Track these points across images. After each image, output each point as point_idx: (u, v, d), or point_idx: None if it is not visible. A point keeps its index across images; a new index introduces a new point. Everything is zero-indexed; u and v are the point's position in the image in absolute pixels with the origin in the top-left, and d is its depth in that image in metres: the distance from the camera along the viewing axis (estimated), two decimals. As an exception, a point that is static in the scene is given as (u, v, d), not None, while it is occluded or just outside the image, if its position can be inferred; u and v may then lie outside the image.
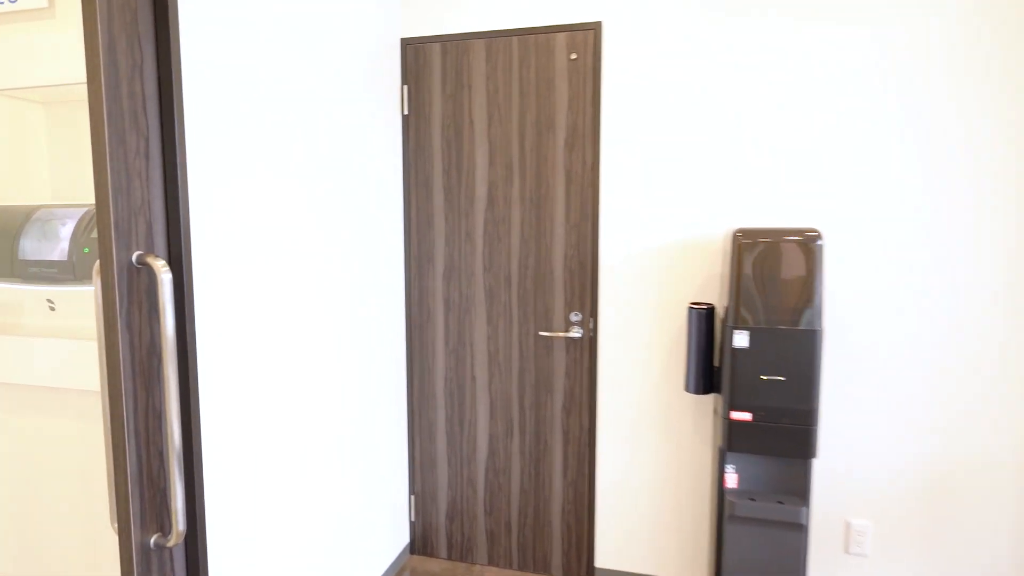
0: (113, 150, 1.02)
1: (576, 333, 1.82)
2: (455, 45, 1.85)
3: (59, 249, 1.74)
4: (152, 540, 1.10)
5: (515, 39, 1.80)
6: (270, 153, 1.31)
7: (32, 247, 1.83)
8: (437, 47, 1.87)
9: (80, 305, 1.69)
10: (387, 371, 1.84)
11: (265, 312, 1.31)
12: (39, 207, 1.87)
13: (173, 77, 1.10)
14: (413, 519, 2.07)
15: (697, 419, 1.81)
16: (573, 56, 1.76)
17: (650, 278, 1.78)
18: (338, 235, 1.56)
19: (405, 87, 1.91)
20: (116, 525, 1.10)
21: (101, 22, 0.99)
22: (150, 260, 1.05)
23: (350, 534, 1.71)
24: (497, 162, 1.88)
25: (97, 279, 1.08)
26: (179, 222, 1.12)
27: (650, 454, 1.85)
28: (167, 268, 1.05)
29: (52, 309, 1.70)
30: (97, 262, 1.08)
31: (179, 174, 1.12)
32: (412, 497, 2.06)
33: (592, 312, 1.81)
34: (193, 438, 1.18)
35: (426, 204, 1.94)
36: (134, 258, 1.05)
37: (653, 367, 1.81)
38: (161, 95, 1.10)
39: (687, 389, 1.65)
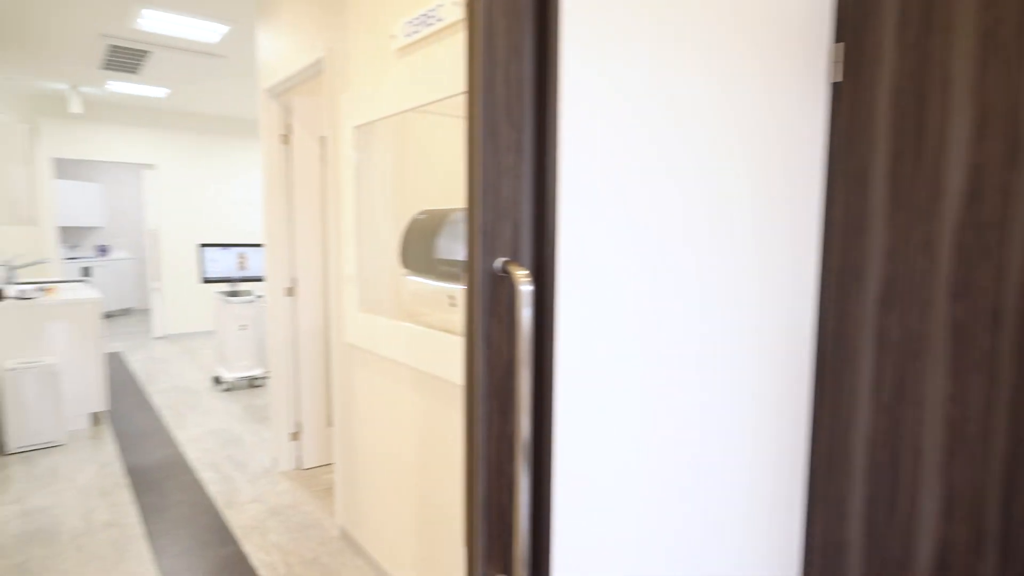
0: (485, 144, 0.91)
1: None
2: (927, -31, 1.28)
3: (462, 249, 1.88)
4: (491, 587, 0.97)
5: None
6: (639, 142, 1.06)
7: (445, 247, 2.05)
8: (895, -21, 1.33)
9: (475, 303, 1.80)
10: (774, 419, 1.41)
11: (624, 336, 1.08)
12: (455, 210, 2.09)
13: (549, 57, 0.94)
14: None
15: None
16: None
17: None
18: (720, 246, 1.22)
19: (840, 44, 1.42)
20: (465, 550, 1.02)
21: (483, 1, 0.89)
22: (512, 269, 0.91)
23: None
24: (990, 134, 1.23)
25: (464, 286, 1.00)
26: (547, 226, 0.96)
27: None
28: (528, 279, 0.90)
29: (452, 305, 1.86)
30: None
31: (551, 170, 0.95)
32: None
33: None
34: (544, 476, 1.02)
35: (858, 202, 1.42)
36: (498, 265, 0.93)
37: None
38: (538, 80, 0.95)
39: None
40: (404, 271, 2.14)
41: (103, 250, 8.94)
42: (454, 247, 1.86)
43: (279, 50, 2.95)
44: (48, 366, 3.63)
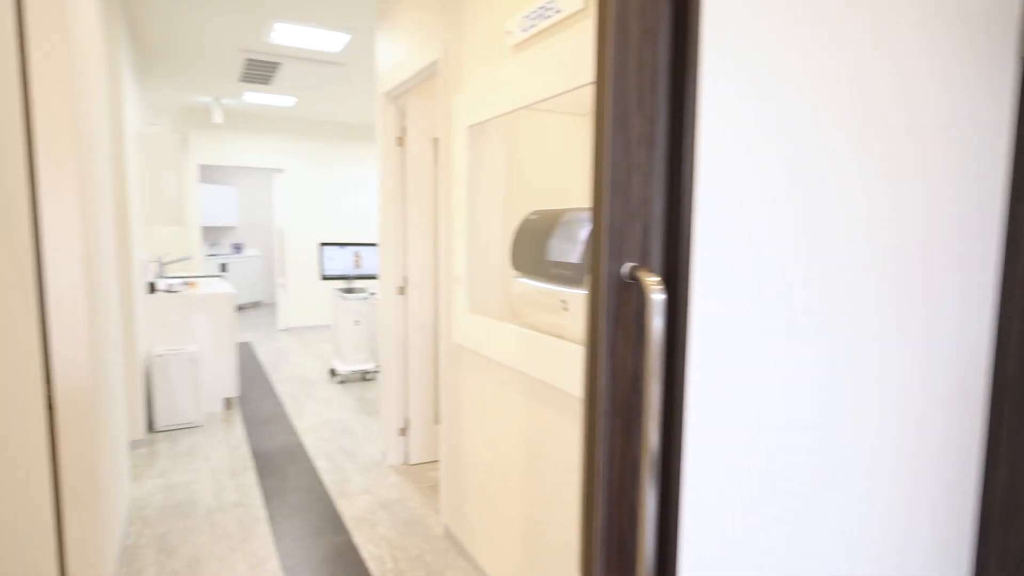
0: (615, 137, 0.83)
1: None
2: None
3: (576, 251, 1.80)
4: (611, 625, 0.89)
5: None
6: (789, 131, 0.93)
7: (558, 248, 1.98)
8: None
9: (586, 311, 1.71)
10: (938, 453, 1.21)
11: (765, 351, 0.95)
12: (568, 210, 2.01)
13: (689, 37, 0.84)
14: None
15: None
16: None
17: None
18: (879, 249, 1.05)
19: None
20: (581, 578, 0.94)
21: (615, -20, 0.81)
22: (641, 275, 0.83)
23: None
24: None
25: (586, 293, 0.92)
26: (682, 228, 0.86)
27: None
28: (659, 287, 0.81)
29: (565, 310, 1.79)
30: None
31: (687, 166, 0.85)
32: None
33: None
34: (671, 502, 0.92)
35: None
36: (625, 271, 0.85)
37: None
38: (673, 64, 0.86)
39: None
40: (514, 273, 2.10)
41: (237, 248, 9.77)
42: (567, 249, 1.78)
43: (396, 55, 3.03)
44: (190, 354, 3.98)
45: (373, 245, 5.54)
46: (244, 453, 3.61)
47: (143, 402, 3.74)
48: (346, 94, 6.10)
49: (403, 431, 3.46)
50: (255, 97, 6.31)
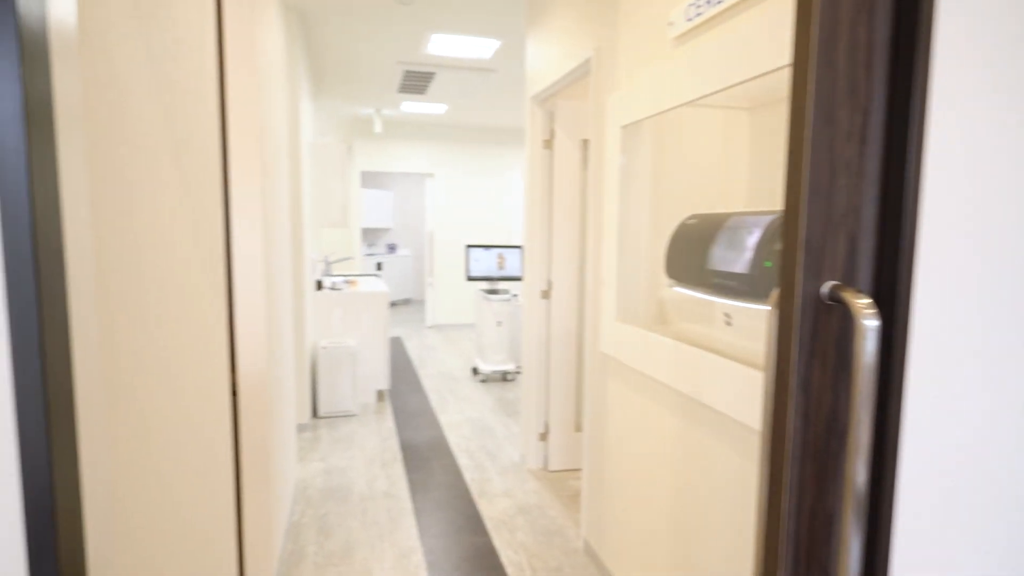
0: (817, 132, 0.70)
1: None
2: None
3: (743, 260, 1.63)
4: None
5: None
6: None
7: (720, 256, 1.81)
8: None
9: (755, 326, 1.53)
10: None
11: (1006, 389, 0.75)
12: (732, 215, 1.84)
13: (921, 9, 0.68)
14: None
15: None
16: None
17: None
18: None
19: None
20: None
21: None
22: (847, 296, 0.69)
23: None
24: None
25: (773, 311, 0.80)
26: (901, 241, 0.71)
27: None
28: (872, 312, 0.67)
29: (728, 324, 1.63)
30: (776, 289, 0.80)
31: (911, 166, 0.70)
32: None
33: None
34: (874, 571, 0.77)
35: None
36: (825, 290, 0.72)
37: None
38: (895, 42, 0.71)
39: None
40: (669, 281, 1.97)
41: (391, 248, 10.46)
42: (731, 257, 1.62)
43: (545, 57, 3.01)
44: (350, 347, 4.29)
45: (517, 247, 5.61)
46: (393, 444, 3.81)
47: (309, 390, 4.10)
48: (494, 100, 6.26)
49: (543, 436, 3.44)
50: (411, 106, 6.69)
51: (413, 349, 6.72)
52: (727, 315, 1.59)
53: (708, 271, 1.73)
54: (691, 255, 1.86)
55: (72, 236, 0.57)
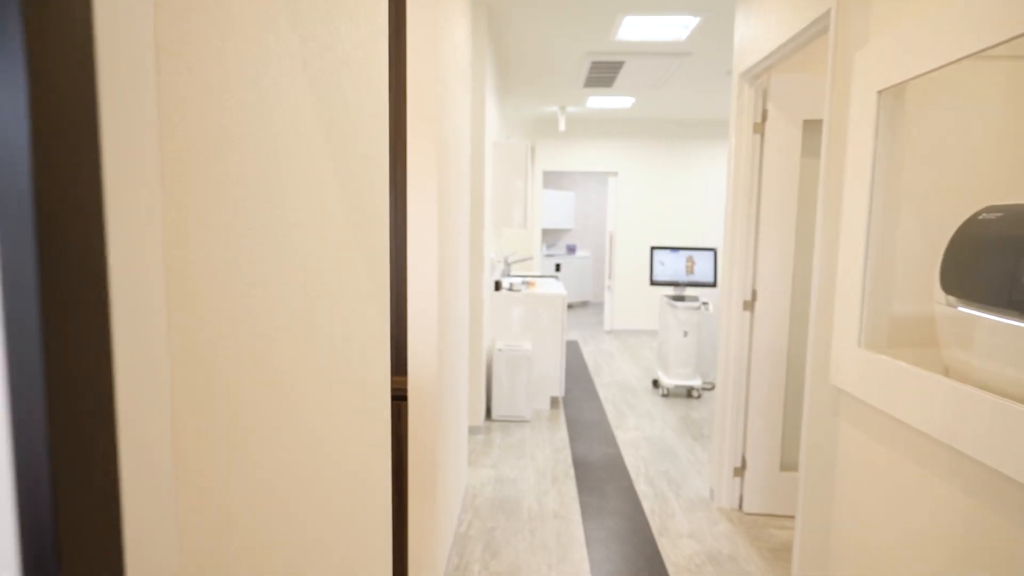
0: None
1: None
2: None
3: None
4: None
5: None
6: None
7: (1047, 266, 1.24)
8: None
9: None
10: None
11: None
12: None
13: None
14: None
15: None
16: None
17: None
18: None
19: None
20: None
21: None
22: None
23: None
24: None
25: None
26: None
27: None
28: None
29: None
30: None
31: None
32: None
33: None
34: None
35: None
36: None
37: None
38: None
39: None
40: (947, 298, 1.43)
41: (571, 249, 10.31)
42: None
43: (764, 23, 2.52)
44: (526, 351, 4.14)
45: (710, 250, 5.05)
46: (566, 457, 3.56)
47: (484, 392, 4.02)
48: (686, 88, 5.73)
49: (738, 471, 2.93)
50: (597, 101, 6.41)
51: (589, 354, 6.44)
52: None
53: (1019, 284, 1.18)
54: (989, 263, 1.31)
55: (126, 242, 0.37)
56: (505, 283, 4.71)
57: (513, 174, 4.37)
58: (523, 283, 4.81)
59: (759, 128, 2.75)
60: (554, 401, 4.60)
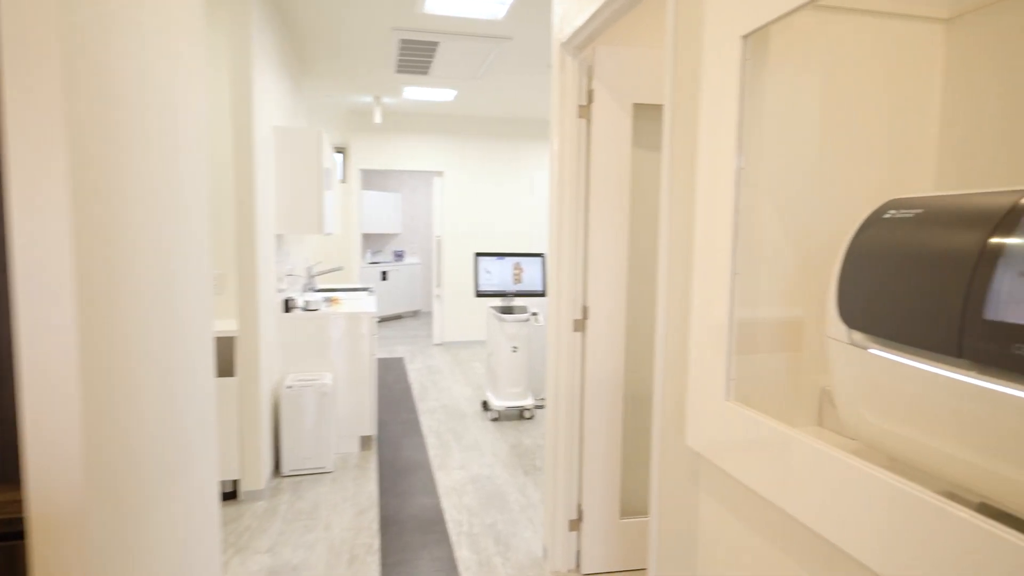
0: None
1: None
2: None
3: None
4: None
5: None
6: None
7: (1008, 292, 0.82)
8: None
9: None
10: None
11: None
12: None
13: None
14: None
15: None
16: None
17: None
18: None
19: None
20: None
21: None
22: None
23: None
24: None
25: None
26: None
27: None
28: None
29: None
30: None
31: None
32: None
33: None
34: None
35: None
36: None
37: None
38: None
39: None
40: (850, 333, 0.98)
41: (399, 255, 9.54)
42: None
43: (582, -20, 2.04)
44: (323, 386, 3.34)
45: (537, 256, 4.64)
46: (371, 521, 2.85)
47: (268, 443, 3.15)
48: (510, 76, 5.30)
49: (575, 524, 2.45)
50: (415, 92, 5.76)
51: (415, 373, 5.76)
52: None
53: (977, 322, 0.73)
54: (910, 284, 0.87)
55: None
56: (300, 301, 3.86)
57: (302, 168, 3.55)
58: (325, 300, 3.99)
59: (584, 112, 2.29)
60: (365, 441, 3.84)
